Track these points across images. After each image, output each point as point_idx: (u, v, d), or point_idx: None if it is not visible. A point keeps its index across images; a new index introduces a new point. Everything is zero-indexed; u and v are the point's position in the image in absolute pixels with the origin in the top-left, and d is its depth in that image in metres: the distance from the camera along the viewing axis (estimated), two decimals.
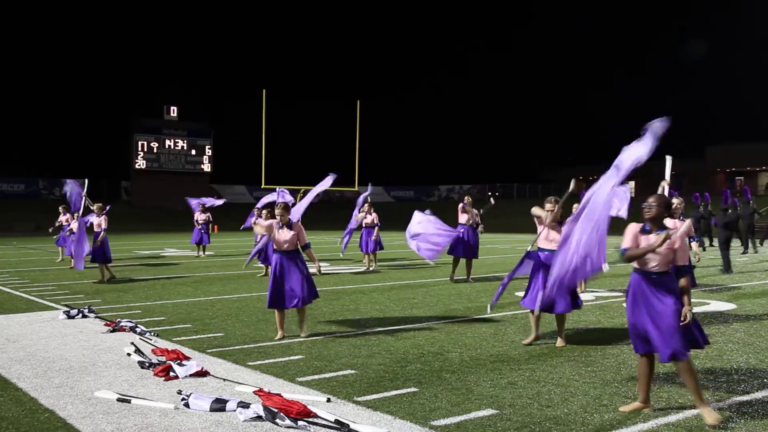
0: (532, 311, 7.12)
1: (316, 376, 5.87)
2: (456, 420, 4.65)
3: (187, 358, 6.28)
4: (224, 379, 5.73)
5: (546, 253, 7.17)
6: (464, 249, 13.52)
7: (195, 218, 21.21)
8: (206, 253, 21.28)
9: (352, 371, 6.04)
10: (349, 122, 42.19)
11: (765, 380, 5.73)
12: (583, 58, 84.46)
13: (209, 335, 7.78)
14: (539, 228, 7.36)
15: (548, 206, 7.24)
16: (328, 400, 5.11)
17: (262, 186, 39.97)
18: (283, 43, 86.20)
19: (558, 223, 7.23)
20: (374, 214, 16.55)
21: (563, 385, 5.57)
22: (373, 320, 8.86)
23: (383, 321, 8.78)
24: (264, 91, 37.92)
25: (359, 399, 5.16)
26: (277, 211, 7.65)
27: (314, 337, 7.65)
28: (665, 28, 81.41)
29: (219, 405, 4.86)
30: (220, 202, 22.17)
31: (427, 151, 79.43)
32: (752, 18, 72.82)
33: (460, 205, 13.72)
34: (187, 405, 4.93)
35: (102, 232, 13.29)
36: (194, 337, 7.68)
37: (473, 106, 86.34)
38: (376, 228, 16.25)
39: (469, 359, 6.52)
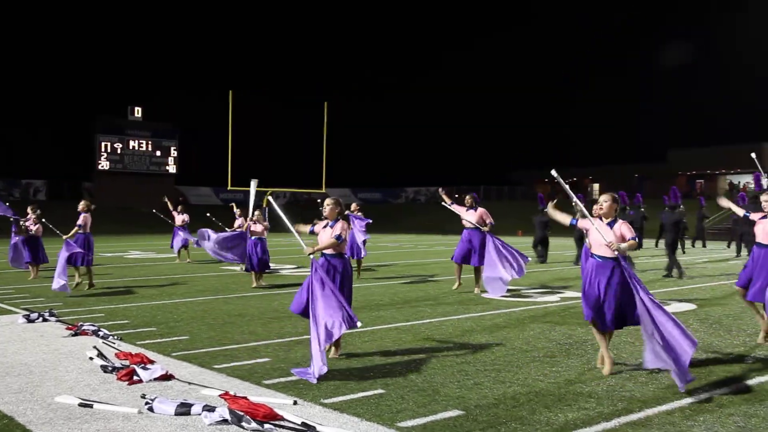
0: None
1: (282, 379, 5.84)
2: (422, 421, 4.67)
3: (152, 362, 6.20)
4: (189, 383, 5.67)
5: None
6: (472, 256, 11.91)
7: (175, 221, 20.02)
8: (185, 257, 19.81)
9: None
10: (316, 124, 42.07)
11: (724, 378, 5.85)
12: (550, 62, 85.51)
13: (174, 338, 7.69)
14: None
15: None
16: (295, 403, 5.09)
17: (229, 188, 39.67)
18: (250, 44, 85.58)
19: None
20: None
21: (528, 385, 5.62)
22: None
23: None
24: (230, 92, 37.62)
25: (326, 401, 5.15)
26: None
27: (280, 339, 7.61)
28: (634, 33, 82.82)
29: (184, 409, 4.81)
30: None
31: (394, 153, 79.59)
32: (715, 26, 74.49)
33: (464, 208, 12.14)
34: (151, 409, 4.87)
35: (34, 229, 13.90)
36: (159, 340, 7.58)
37: (441, 108, 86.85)
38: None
39: (435, 360, 6.55)
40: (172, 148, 59.44)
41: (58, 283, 11.08)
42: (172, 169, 59.82)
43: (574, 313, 9.53)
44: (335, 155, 46.06)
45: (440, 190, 12.48)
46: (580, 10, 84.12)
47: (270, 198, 7.41)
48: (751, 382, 5.72)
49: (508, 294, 11.19)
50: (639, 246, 6.11)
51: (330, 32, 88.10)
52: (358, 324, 6.05)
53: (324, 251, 6.69)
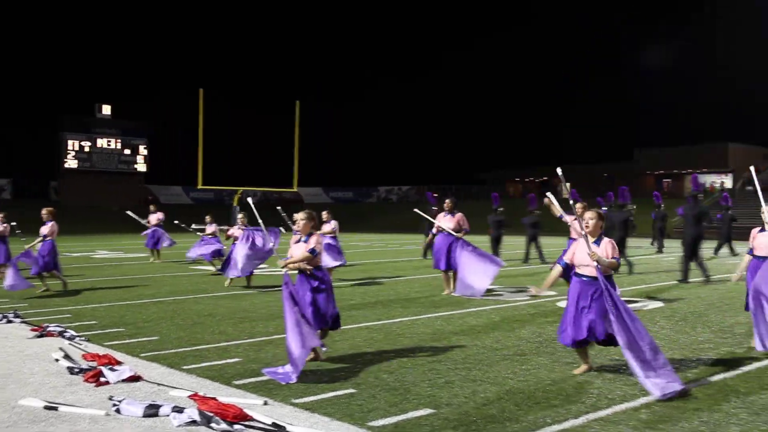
0: None
1: (253, 379, 5.80)
2: (393, 420, 4.68)
3: (119, 363, 6.12)
4: (158, 384, 5.61)
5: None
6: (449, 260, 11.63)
7: (147, 220, 19.39)
8: (157, 256, 19.28)
9: None
10: (288, 123, 41.89)
11: (688, 374, 5.96)
12: (518, 63, 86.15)
13: (143, 339, 7.60)
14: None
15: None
16: (265, 403, 5.06)
17: (199, 186, 39.29)
18: (222, 43, 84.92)
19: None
20: (334, 222, 14.24)
21: (498, 383, 5.67)
22: None
23: None
24: (201, 90, 37.26)
25: (296, 401, 5.13)
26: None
27: (251, 340, 7.57)
28: (603, 35, 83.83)
29: (152, 410, 4.76)
30: None
31: (366, 152, 79.64)
32: (684, 26, 75.80)
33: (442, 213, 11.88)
34: (118, 411, 4.81)
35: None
36: (127, 341, 7.49)
37: (412, 108, 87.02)
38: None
39: (406, 360, 6.56)
40: (142, 147, 58.76)
41: (12, 280, 11.00)
42: (141, 167, 59.14)
43: (544, 312, 9.63)
44: (307, 154, 45.95)
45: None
46: (553, 13, 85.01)
47: (250, 200, 7.28)
48: (715, 378, 5.84)
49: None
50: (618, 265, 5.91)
51: (302, 31, 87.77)
52: (324, 348, 6.17)
53: (299, 267, 6.51)
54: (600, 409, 4.94)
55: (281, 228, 13.57)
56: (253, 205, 7.03)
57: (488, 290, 11.79)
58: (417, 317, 9.17)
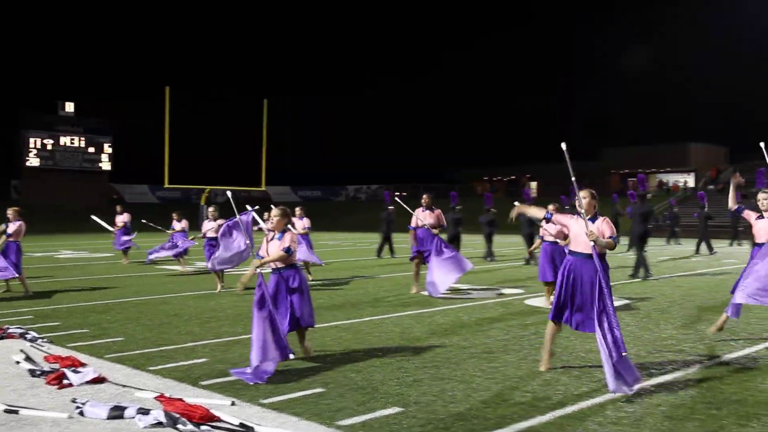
0: None
1: (220, 380, 5.75)
2: (362, 419, 4.67)
3: (83, 365, 6.02)
4: (123, 386, 5.52)
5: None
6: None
7: (114, 224, 18.61)
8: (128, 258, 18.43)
9: None
10: (255, 121, 41.59)
11: (652, 371, 6.06)
12: (485, 63, 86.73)
13: (107, 340, 7.48)
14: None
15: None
16: (233, 404, 5.02)
17: (166, 185, 38.83)
18: (188, 40, 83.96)
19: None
20: (306, 220, 14.11)
21: (466, 381, 5.70)
22: None
23: None
24: (167, 88, 36.82)
25: (264, 401, 5.10)
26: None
27: (218, 340, 7.50)
28: (569, 36, 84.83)
29: (117, 412, 4.68)
30: None
31: (334, 150, 79.50)
32: (651, 27, 77.10)
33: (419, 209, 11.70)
34: (82, 413, 4.72)
35: None
36: (91, 342, 7.36)
37: (380, 106, 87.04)
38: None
39: (375, 359, 6.56)
40: (106, 145, 57.84)
41: None
42: (106, 166, 58.23)
43: (512, 311, 9.71)
44: (275, 153, 45.67)
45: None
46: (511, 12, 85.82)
47: (229, 193, 7.17)
48: (677, 374, 5.94)
49: (447, 291, 11.30)
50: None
51: (270, 29, 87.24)
52: (291, 356, 6.02)
53: (273, 265, 6.45)
54: (567, 405, 4.99)
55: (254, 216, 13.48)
56: (232, 201, 6.95)
57: (457, 289, 11.85)
58: (385, 316, 9.18)
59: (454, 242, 18.07)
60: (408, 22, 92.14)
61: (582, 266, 5.79)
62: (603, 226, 5.76)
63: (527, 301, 10.59)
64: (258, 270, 6.30)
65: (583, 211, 5.75)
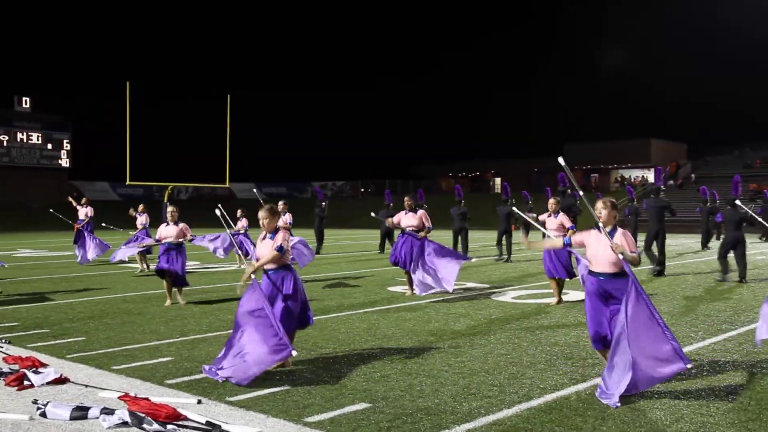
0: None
1: (186, 378, 5.69)
2: (329, 415, 4.66)
3: (44, 365, 5.89)
4: (86, 386, 5.42)
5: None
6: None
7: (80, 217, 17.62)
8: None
9: None
10: (219, 117, 41.15)
11: None
12: (455, 58, 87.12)
13: (69, 340, 7.34)
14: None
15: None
16: (199, 402, 4.97)
17: (127, 182, 38.20)
18: (150, 34, 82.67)
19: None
20: (288, 215, 13.74)
21: (434, 376, 5.72)
22: None
23: None
24: (128, 83, 36.19)
25: (231, 399, 5.06)
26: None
27: (184, 338, 7.41)
28: (539, 35, 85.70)
29: (80, 413, 4.60)
30: None
31: (299, 147, 79.15)
32: (616, 25, 78.25)
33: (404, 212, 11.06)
34: (44, 415, 4.62)
35: None
36: (52, 342, 7.21)
37: (345, 103, 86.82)
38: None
39: (342, 354, 6.56)
40: (65, 141, 56.70)
41: None
42: (65, 162, 57.10)
43: (478, 306, 9.78)
44: (239, 149, 45.25)
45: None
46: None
47: (217, 211, 6.90)
48: None
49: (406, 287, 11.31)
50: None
51: (233, 24, 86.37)
52: (294, 353, 5.59)
53: (266, 267, 6.12)
54: (532, 398, 5.05)
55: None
56: (221, 213, 6.69)
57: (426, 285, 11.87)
58: (352, 312, 9.17)
59: (461, 235, 18.16)
60: (385, 18, 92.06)
61: (605, 287, 5.34)
62: (624, 241, 5.31)
63: (494, 297, 10.68)
64: (253, 276, 5.95)
65: (602, 224, 5.37)
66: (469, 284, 12.28)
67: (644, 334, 4.92)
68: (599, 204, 5.47)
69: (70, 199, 18.85)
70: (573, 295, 10.66)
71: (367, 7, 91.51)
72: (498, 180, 64.38)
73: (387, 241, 20.57)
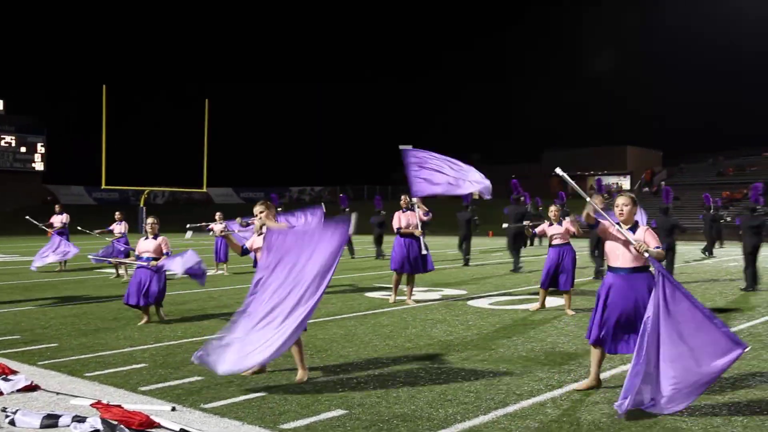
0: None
1: (160, 385, 5.62)
2: (305, 422, 4.64)
3: (14, 372, 5.79)
4: (57, 393, 5.34)
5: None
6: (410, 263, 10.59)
7: (50, 222, 17.37)
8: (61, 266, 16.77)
9: (199, 378, 5.84)
10: (196, 121, 40.89)
11: (590, 369, 6.18)
12: (431, 63, 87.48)
13: (40, 346, 7.22)
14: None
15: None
16: (173, 409, 4.91)
17: (103, 186, 37.79)
18: (127, 37, 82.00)
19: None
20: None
21: (410, 382, 5.72)
22: (220, 324, 8.62)
23: None
24: (104, 86, 35.84)
25: (206, 406, 5.01)
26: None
27: (158, 344, 7.33)
28: (516, 42, 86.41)
29: (51, 421, 4.52)
30: None
31: (277, 152, 78.86)
32: (593, 33, 79.16)
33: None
34: (12, 423, 4.54)
35: None
36: (23, 349, 7.09)
37: (324, 107, 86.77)
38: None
39: (318, 360, 6.53)
40: (39, 144, 56.01)
41: None
42: (39, 166, 56.37)
43: (455, 312, 9.79)
44: (217, 153, 45.01)
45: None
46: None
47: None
48: (615, 371, 6.09)
49: (390, 294, 11.30)
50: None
51: (210, 29, 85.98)
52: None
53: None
54: (508, 404, 5.06)
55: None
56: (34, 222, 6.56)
57: (400, 290, 11.85)
58: (329, 318, 9.14)
59: (466, 242, 18.28)
60: (361, 21, 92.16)
61: (623, 283, 5.16)
62: (647, 237, 5.14)
63: (470, 302, 10.70)
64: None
65: (621, 222, 5.22)
66: (447, 291, 12.30)
67: (688, 330, 4.69)
68: (621, 200, 5.27)
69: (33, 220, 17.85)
70: (550, 301, 10.71)
71: (341, 10, 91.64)
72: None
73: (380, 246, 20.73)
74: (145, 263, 8.83)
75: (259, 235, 6.35)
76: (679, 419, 4.69)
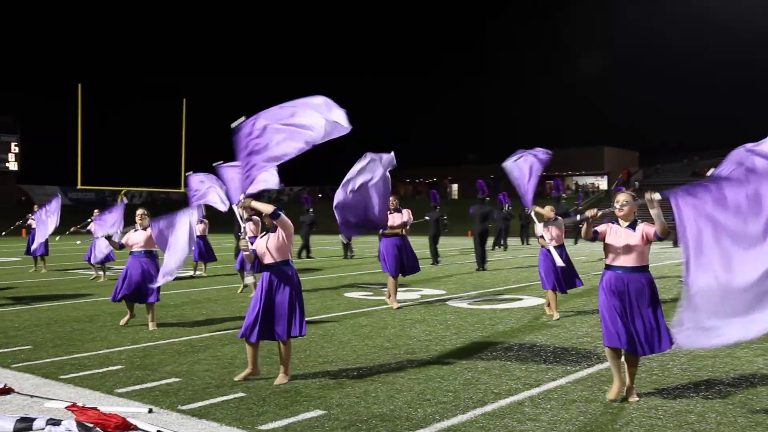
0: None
1: (137, 387, 5.57)
2: (284, 423, 4.62)
3: None
4: (31, 396, 5.27)
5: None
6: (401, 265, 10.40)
7: (27, 222, 17.08)
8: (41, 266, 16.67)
9: (177, 379, 5.80)
10: (173, 120, 40.58)
11: (567, 367, 6.25)
12: (406, 63, 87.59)
13: (14, 348, 7.12)
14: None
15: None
16: (150, 411, 4.87)
17: (78, 186, 37.37)
18: (101, 35, 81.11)
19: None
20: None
21: (389, 382, 5.72)
22: (198, 325, 8.57)
23: (209, 326, 8.53)
24: (80, 85, 35.44)
25: (184, 407, 4.97)
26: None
27: (135, 346, 7.26)
28: (494, 45, 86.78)
29: (24, 424, 4.46)
30: None
31: None
32: (569, 35, 79.70)
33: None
34: None
35: None
36: None
37: None
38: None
39: (297, 361, 6.51)
40: (13, 144, 55.26)
41: None
42: (12, 166, 55.62)
43: (434, 312, 9.82)
44: (194, 153, 44.65)
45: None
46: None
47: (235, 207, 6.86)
48: (592, 369, 6.15)
49: (369, 294, 11.34)
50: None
51: (187, 24, 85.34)
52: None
53: (267, 263, 5.88)
54: (486, 404, 5.09)
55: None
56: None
57: (378, 291, 11.88)
58: (308, 318, 9.09)
59: (435, 242, 18.32)
60: (325, 18, 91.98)
61: (626, 280, 5.15)
62: (646, 229, 5.14)
63: (449, 302, 10.74)
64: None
65: (621, 218, 5.23)
66: (426, 290, 12.33)
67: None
68: (622, 197, 5.26)
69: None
70: (528, 301, 10.79)
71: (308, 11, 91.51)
72: (455, 186, 64.88)
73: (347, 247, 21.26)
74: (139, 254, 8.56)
75: (247, 220, 6.21)
76: (654, 416, 4.75)
